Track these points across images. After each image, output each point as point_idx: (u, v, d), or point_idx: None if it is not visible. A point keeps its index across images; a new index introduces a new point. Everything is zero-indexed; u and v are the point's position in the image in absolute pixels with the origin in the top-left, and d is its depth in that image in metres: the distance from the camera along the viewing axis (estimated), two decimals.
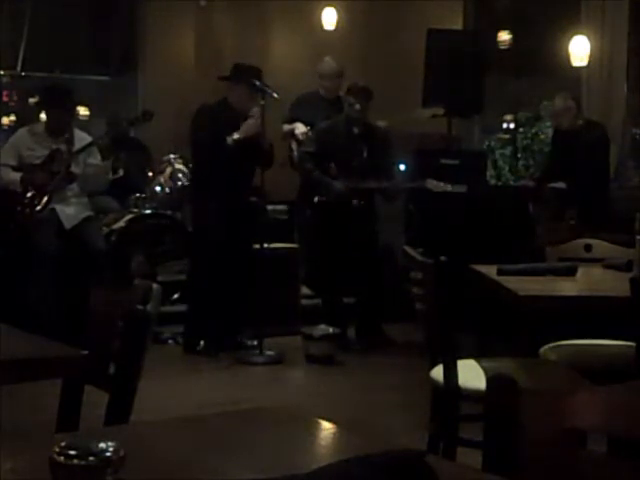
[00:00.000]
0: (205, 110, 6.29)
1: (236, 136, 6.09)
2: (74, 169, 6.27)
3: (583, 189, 6.83)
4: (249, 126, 6.11)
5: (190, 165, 6.96)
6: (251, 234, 6.38)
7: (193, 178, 6.71)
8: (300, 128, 7.23)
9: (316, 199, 6.60)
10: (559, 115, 7.16)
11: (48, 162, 6.24)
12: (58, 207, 6.25)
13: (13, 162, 6.26)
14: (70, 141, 6.33)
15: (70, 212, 6.30)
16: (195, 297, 6.41)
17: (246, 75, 6.22)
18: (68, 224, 6.27)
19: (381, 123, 6.95)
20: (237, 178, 6.20)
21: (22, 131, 6.57)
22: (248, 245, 6.38)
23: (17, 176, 6.20)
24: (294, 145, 7.27)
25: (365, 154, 6.63)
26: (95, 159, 6.45)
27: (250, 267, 6.36)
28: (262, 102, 6.14)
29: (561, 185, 7.00)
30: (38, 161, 6.25)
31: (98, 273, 6.14)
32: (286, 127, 7.33)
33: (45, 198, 6.18)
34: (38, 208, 6.17)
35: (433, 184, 6.48)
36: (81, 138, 6.42)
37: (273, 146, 6.31)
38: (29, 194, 6.18)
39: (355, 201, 6.55)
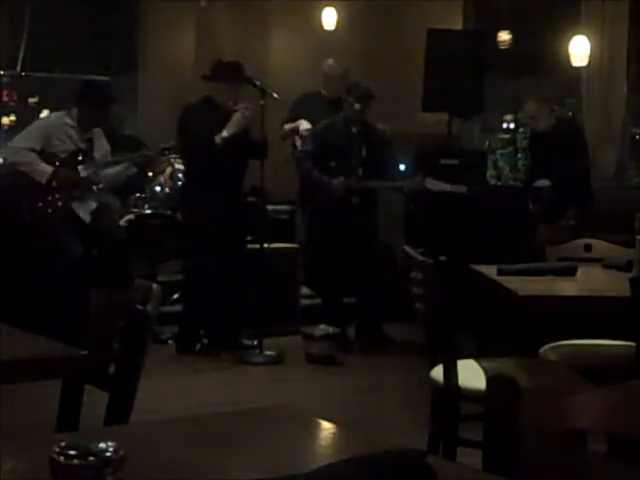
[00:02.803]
0: (191, 110, 6.28)
1: (225, 134, 6.08)
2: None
3: (566, 189, 6.85)
4: (236, 121, 6.09)
5: None
6: (245, 231, 6.40)
7: (185, 178, 6.69)
8: (304, 124, 7.21)
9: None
10: (533, 118, 7.19)
11: (73, 160, 6.20)
12: (74, 204, 6.24)
13: (37, 146, 6.10)
14: (92, 141, 6.31)
15: (86, 207, 6.29)
16: (189, 297, 6.42)
17: (228, 72, 6.24)
18: (87, 218, 6.26)
19: (381, 126, 6.95)
20: (229, 175, 6.21)
21: (57, 118, 6.35)
22: (243, 243, 6.41)
23: (49, 170, 6.08)
24: (298, 142, 7.24)
25: (364, 153, 6.63)
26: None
27: (245, 265, 6.37)
28: (262, 102, 6.14)
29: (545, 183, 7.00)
30: (63, 155, 6.18)
31: (114, 263, 6.15)
32: (288, 126, 7.32)
33: (67, 199, 6.14)
34: (59, 204, 6.12)
35: (432, 183, 6.49)
36: (100, 145, 6.39)
37: (267, 138, 6.28)
38: (51, 190, 6.11)
39: (354, 199, 6.56)
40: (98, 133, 6.38)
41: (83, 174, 6.21)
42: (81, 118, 6.26)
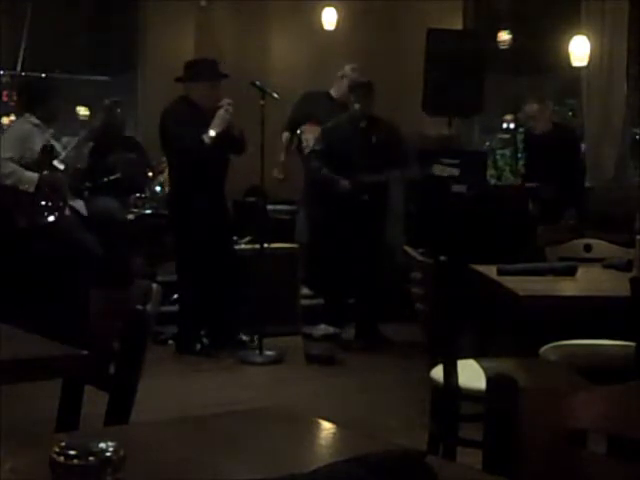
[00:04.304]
0: (171, 113, 6.26)
1: (212, 133, 6.07)
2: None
3: (563, 191, 6.88)
4: (221, 118, 6.09)
5: None
6: (235, 228, 6.44)
7: (172, 181, 6.65)
8: (309, 135, 7.18)
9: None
10: (533, 118, 7.19)
11: (45, 159, 6.18)
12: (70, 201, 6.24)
13: (16, 155, 6.06)
14: (52, 137, 6.33)
15: (79, 201, 6.29)
16: (183, 297, 6.42)
17: (203, 71, 6.25)
18: (84, 210, 6.26)
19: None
20: (215, 173, 6.24)
21: (25, 122, 6.32)
22: (233, 241, 6.52)
23: (35, 177, 6.03)
24: (309, 142, 7.17)
25: (372, 148, 6.63)
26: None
27: (237, 263, 6.39)
28: (262, 102, 6.14)
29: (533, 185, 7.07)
30: (35, 156, 6.17)
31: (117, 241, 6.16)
32: (286, 135, 7.33)
33: (63, 198, 6.14)
34: (61, 204, 6.10)
35: (440, 169, 6.51)
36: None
37: (244, 132, 6.27)
38: (44, 196, 6.09)
39: (363, 197, 6.55)
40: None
41: (60, 167, 6.20)
42: (42, 117, 6.25)
